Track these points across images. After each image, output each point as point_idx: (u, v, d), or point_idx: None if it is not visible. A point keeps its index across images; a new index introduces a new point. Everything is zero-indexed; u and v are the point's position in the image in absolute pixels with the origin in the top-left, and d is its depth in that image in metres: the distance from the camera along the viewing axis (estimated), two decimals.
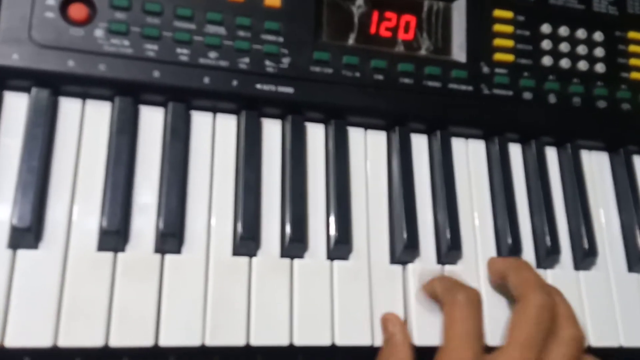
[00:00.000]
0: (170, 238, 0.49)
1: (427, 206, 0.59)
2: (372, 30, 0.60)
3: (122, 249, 0.49)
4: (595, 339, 0.58)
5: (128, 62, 0.52)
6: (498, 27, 0.63)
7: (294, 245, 0.52)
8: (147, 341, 0.47)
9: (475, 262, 0.58)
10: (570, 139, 0.65)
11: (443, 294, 0.52)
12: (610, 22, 0.67)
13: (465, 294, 0.51)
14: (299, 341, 0.50)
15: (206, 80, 0.53)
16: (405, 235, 0.55)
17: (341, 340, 0.51)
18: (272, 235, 0.53)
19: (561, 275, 0.59)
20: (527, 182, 0.63)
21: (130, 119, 0.52)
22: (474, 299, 0.51)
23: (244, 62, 0.55)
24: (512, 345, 0.48)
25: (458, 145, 0.62)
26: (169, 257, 0.50)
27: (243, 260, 0.51)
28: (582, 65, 0.65)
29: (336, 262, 0.54)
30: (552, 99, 0.63)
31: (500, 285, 0.56)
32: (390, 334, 0.52)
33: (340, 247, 0.54)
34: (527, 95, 0.62)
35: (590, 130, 0.65)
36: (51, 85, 0.51)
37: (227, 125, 0.56)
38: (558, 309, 0.51)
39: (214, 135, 0.55)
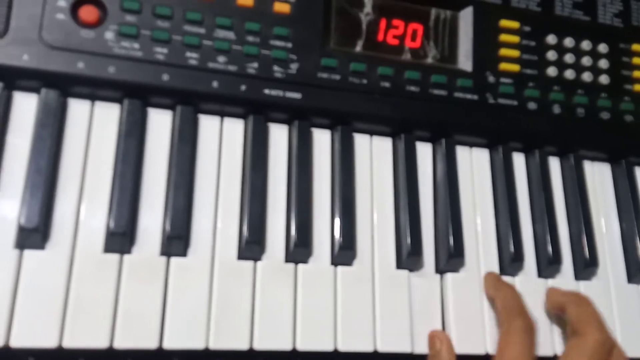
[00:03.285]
0: (176, 241, 0.50)
1: (431, 213, 0.59)
2: (380, 37, 0.60)
3: (128, 251, 0.49)
4: None
5: (137, 65, 0.52)
6: (504, 37, 0.63)
7: (299, 250, 0.53)
8: (151, 343, 0.47)
9: (478, 270, 0.58)
10: (574, 149, 0.65)
11: (503, 312, 0.53)
12: (615, 34, 0.67)
13: (523, 321, 0.51)
14: (302, 346, 0.51)
15: (215, 84, 0.54)
16: (409, 242, 0.56)
17: (344, 346, 0.52)
18: (277, 239, 0.54)
19: (562, 285, 0.60)
20: (529, 191, 0.64)
21: (139, 121, 0.52)
22: (531, 328, 0.51)
23: (252, 67, 0.55)
24: None
25: (462, 153, 0.62)
26: (174, 260, 0.50)
27: (248, 264, 0.52)
28: (587, 76, 0.65)
29: (340, 268, 0.54)
30: (556, 109, 0.63)
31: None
32: (437, 351, 0.53)
33: (344, 253, 0.54)
34: (532, 105, 0.63)
35: (593, 141, 0.66)
36: (60, 87, 0.51)
37: (235, 129, 0.56)
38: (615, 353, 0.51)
39: (221, 139, 0.55)
